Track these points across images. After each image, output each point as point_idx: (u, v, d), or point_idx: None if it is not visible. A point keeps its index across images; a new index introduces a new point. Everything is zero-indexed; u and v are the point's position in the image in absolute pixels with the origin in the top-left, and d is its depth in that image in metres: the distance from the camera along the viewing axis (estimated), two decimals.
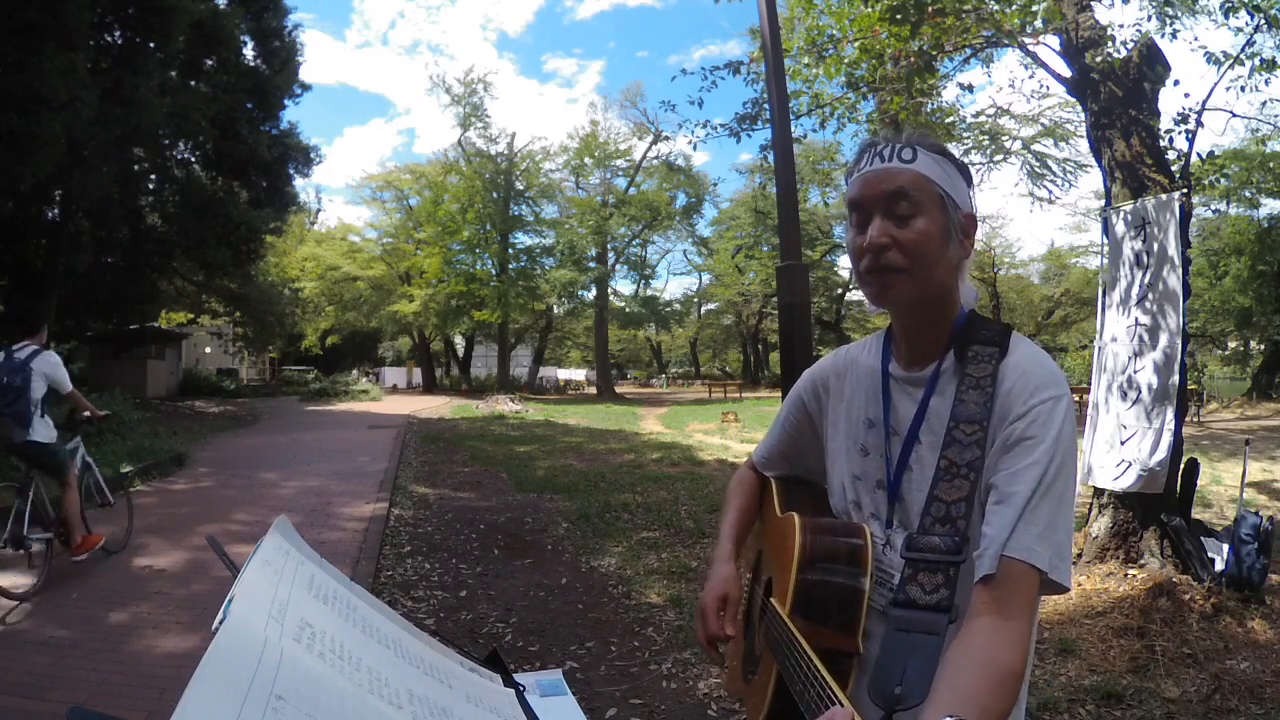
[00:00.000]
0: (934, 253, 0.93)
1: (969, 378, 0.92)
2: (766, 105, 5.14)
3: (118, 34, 13.44)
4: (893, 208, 0.93)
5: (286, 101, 17.59)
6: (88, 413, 4.60)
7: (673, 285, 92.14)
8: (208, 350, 29.54)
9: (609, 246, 32.32)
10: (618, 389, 35.62)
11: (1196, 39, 5.26)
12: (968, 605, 0.84)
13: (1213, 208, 19.75)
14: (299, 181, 19.88)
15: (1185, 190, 4.15)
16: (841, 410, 1.11)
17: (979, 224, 1.00)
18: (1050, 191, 17.50)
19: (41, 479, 4.26)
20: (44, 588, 4.08)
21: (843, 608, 0.93)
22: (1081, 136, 13.36)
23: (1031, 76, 5.96)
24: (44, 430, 4.18)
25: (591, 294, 32.17)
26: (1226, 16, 4.64)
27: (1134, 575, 3.96)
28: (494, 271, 29.95)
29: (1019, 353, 0.93)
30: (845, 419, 1.09)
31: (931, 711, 0.70)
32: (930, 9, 4.53)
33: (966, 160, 14.80)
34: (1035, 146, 16.50)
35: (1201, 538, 4.11)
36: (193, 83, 15.29)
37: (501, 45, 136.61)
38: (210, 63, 15.65)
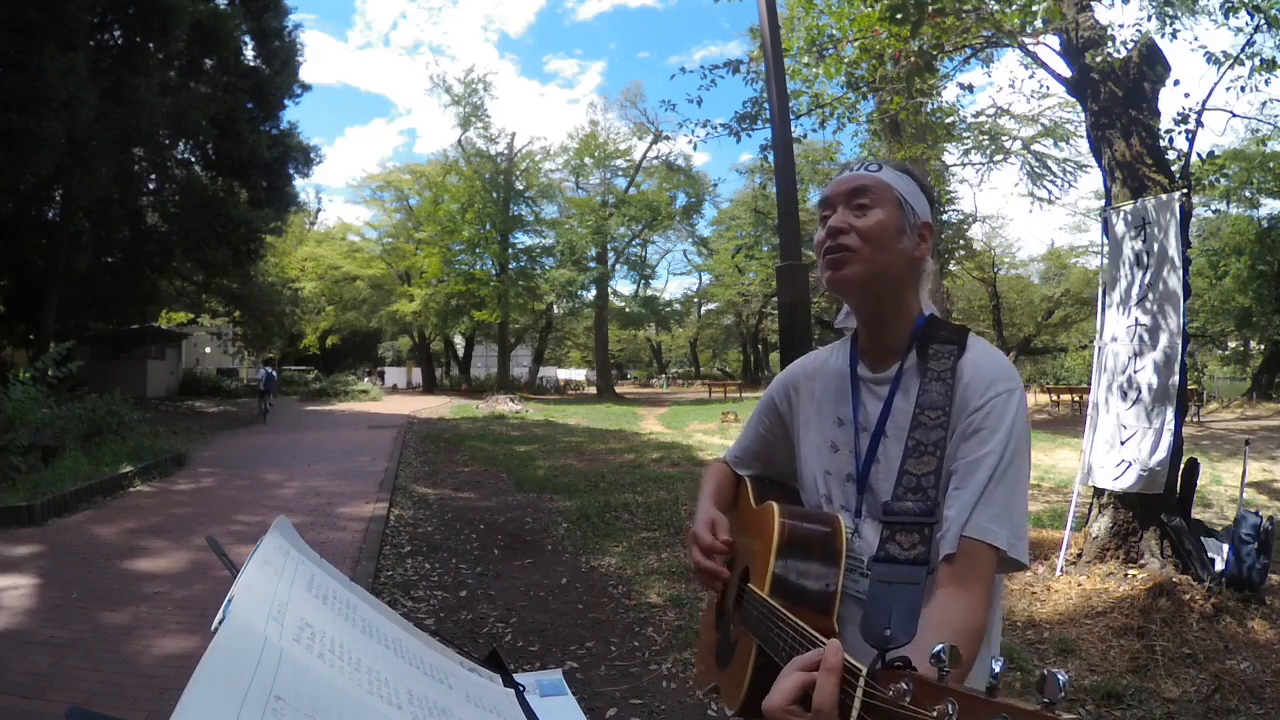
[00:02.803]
0: (887, 241, 1.04)
1: (931, 371, 1.01)
2: (766, 105, 5.13)
3: (118, 34, 13.45)
4: (854, 201, 1.06)
5: (286, 101, 17.62)
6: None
7: (673, 285, 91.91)
8: (208, 350, 29.55)
9: (609, 246, 32.22)
10: (618, 389, 35.57)
11: (1196, 39, 5.27)
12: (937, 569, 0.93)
13: (1213, 208, 19.77)
14: (299, 181, 19.91)
15: (1185, 190, 4.14)
16: (812, 410, 1.18)
17: (934, 232, 1.10)
18: (1050, 191, 17.55)
19: (268, 398, 17.23)
20: (267, 427, 15.27)
21: (819, 589, 0.99)
22: (1081, 136, 13.36)
23: (1031, 76, 5.95)
24: (275, 385, 18.01)
25: (591, 294, 32.09)
26: (1226, 16, 4.64)
27: (1134, 575, 3.96)
28: (494, 271, 29.93)
29: (975, 350, 1.02)
30: (816, 418, 1.17)
31: (915, 650, 0.74)
32: (930, 9, 4.53)
33: (966, 160, 14.77)
34: (1035, 146, 16.53)
35: (1201, 538, 4.10)
36: (193, 83, 15.28)
37: (503, 46, 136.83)
38: (210, 63, 15.65)
